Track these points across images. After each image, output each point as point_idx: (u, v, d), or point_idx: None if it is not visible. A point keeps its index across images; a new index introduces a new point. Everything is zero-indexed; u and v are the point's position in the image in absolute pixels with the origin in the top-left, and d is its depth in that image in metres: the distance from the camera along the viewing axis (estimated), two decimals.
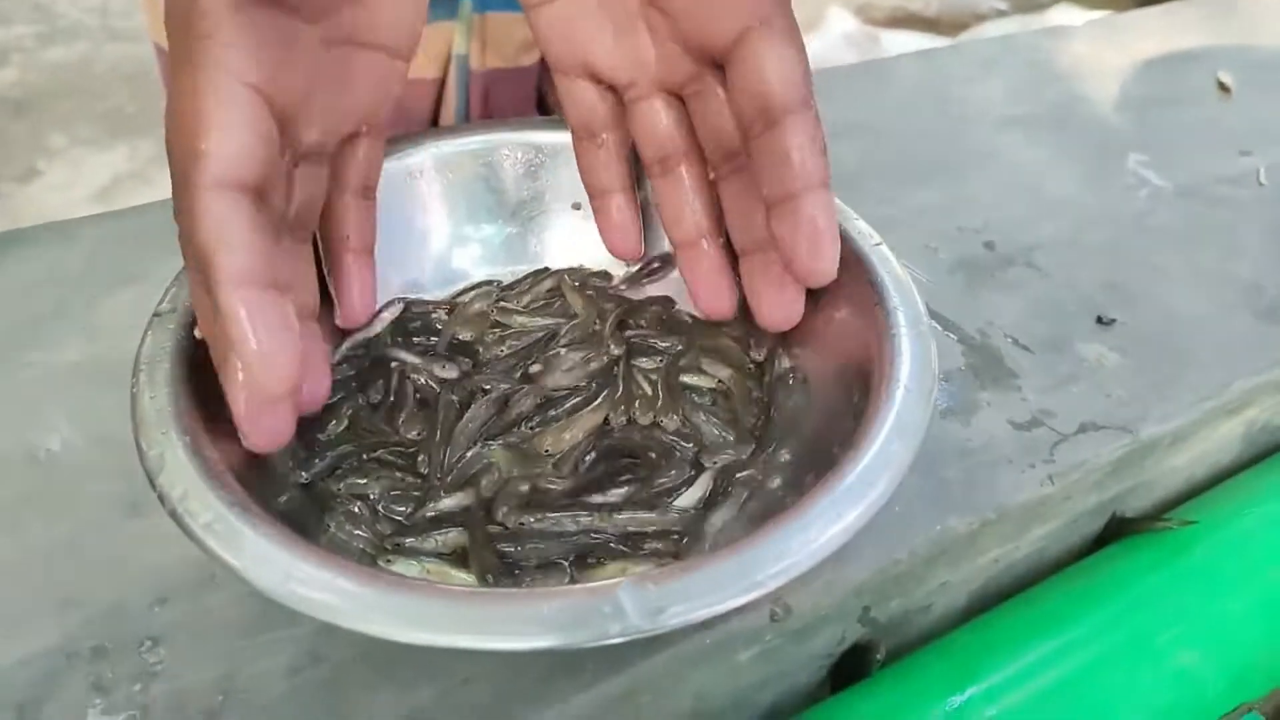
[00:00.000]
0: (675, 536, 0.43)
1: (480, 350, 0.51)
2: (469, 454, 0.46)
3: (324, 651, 0.41)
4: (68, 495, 0.48)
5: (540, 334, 0.53)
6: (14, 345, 0.56)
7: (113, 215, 0.65)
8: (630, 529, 0.43)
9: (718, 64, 0.45)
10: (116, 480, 0.48)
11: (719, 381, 0.51)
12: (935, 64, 0.94)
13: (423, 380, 0.49)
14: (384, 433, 0.47)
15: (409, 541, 0.42)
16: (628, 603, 0.32)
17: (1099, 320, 0.64)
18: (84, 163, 2.53)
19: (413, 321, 0.52)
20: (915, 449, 0.40)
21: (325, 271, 0.48)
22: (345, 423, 0.47)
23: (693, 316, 0.54)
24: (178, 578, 0.44)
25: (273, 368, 0.33)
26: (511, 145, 0.57)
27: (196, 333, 0.40)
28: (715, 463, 0.47)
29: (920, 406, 0.42)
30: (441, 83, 0.74)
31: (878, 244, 0.50)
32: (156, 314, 0.43)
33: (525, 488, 0.44)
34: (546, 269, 0.56)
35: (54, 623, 0.42)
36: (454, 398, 0.48)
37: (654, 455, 0.47)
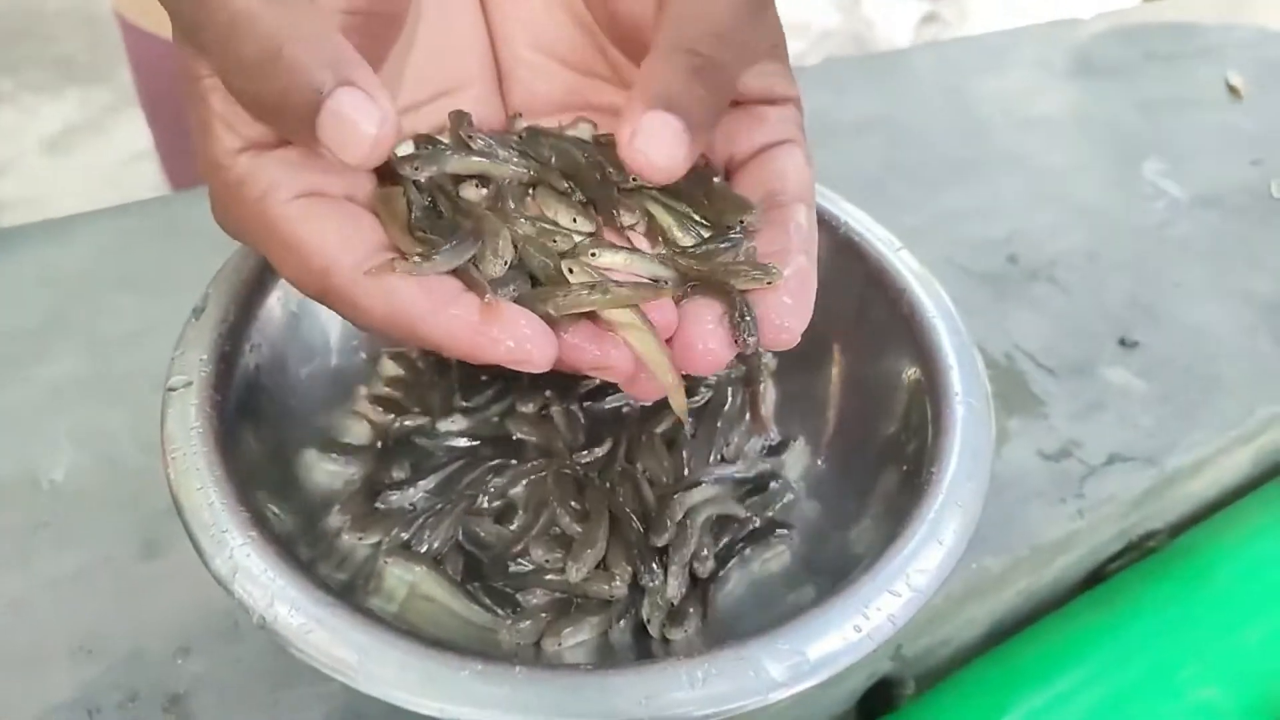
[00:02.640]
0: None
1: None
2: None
3: (360, 708, 0.40)
4: (77, 529, 0.46)
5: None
6: (10, 359, 0.53)
7: (109, 213, 0.62)
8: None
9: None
10: (127, 512, 0.46)
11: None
12: (946, 56, 0.92)
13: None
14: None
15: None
16: (771, 666, 0.33)
17: (1122, 342, 0.63)
18: (34, 110, 2.42)
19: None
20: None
21: None
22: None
23: None
24: (200, 626, 0.42)
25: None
26: None
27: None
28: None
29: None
30: None
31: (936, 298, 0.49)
32: (170, 389, 0.40)
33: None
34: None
35: (69, 672, 0.41)
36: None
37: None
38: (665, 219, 0.40)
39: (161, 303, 0.43)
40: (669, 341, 0.36)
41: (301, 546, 0.40)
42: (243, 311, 0.46)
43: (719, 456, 0.50)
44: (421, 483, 0.47)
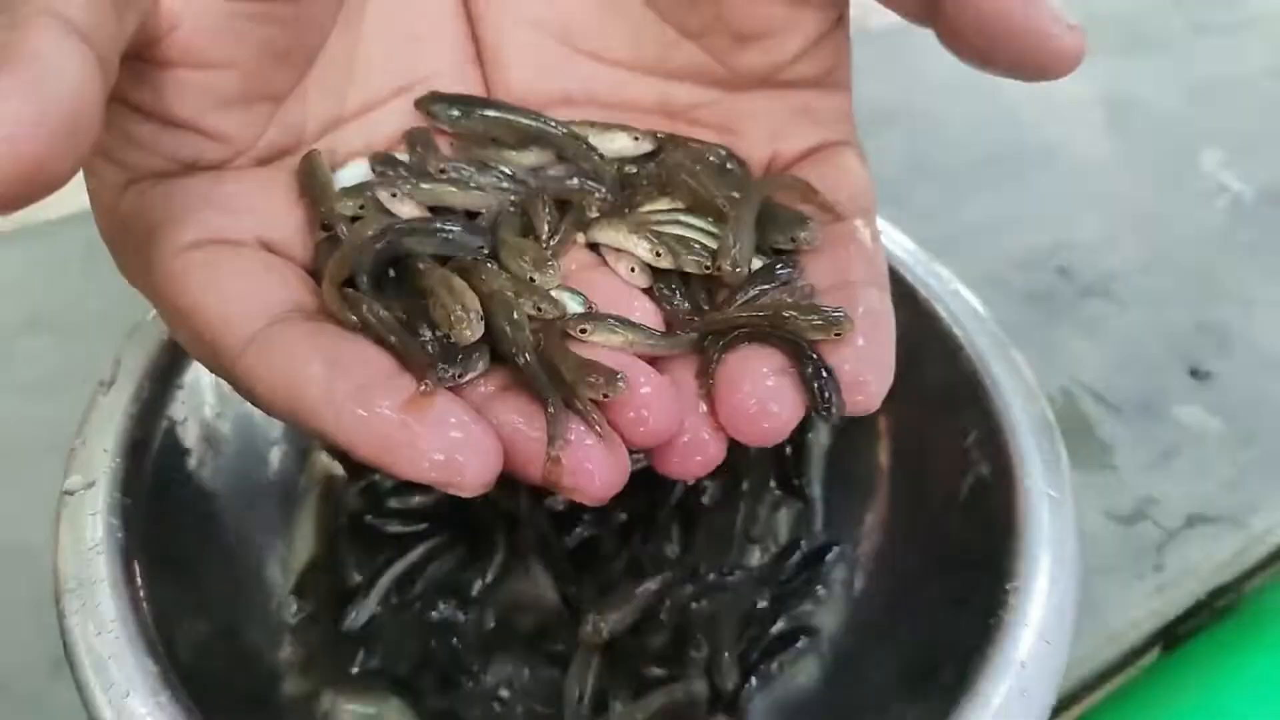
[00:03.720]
0: None
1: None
2: None
3: None
4: None
5: None
6: None
7: (11, 238, 0.53)
8: None
9: None
10: (33, 618, 0.38)
11: None
12: None
13: None
14: None
15: None
16: None
17: (1194, 374, 0.55)
18: None
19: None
20: None
21: None
22: None
23: None
24: None
25: None
26: None
27: None
28: None
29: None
30: None
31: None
32: (66, 492, 0.32)
33: None
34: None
35: None
36: None
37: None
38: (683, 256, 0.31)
39: (81, 347, 0.35)
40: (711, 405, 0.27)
41: (234, 699, 0.32)
42: (161, 383, 0.37)
43: (743, 537, 0.42)
44: (378, 584, 0.39)
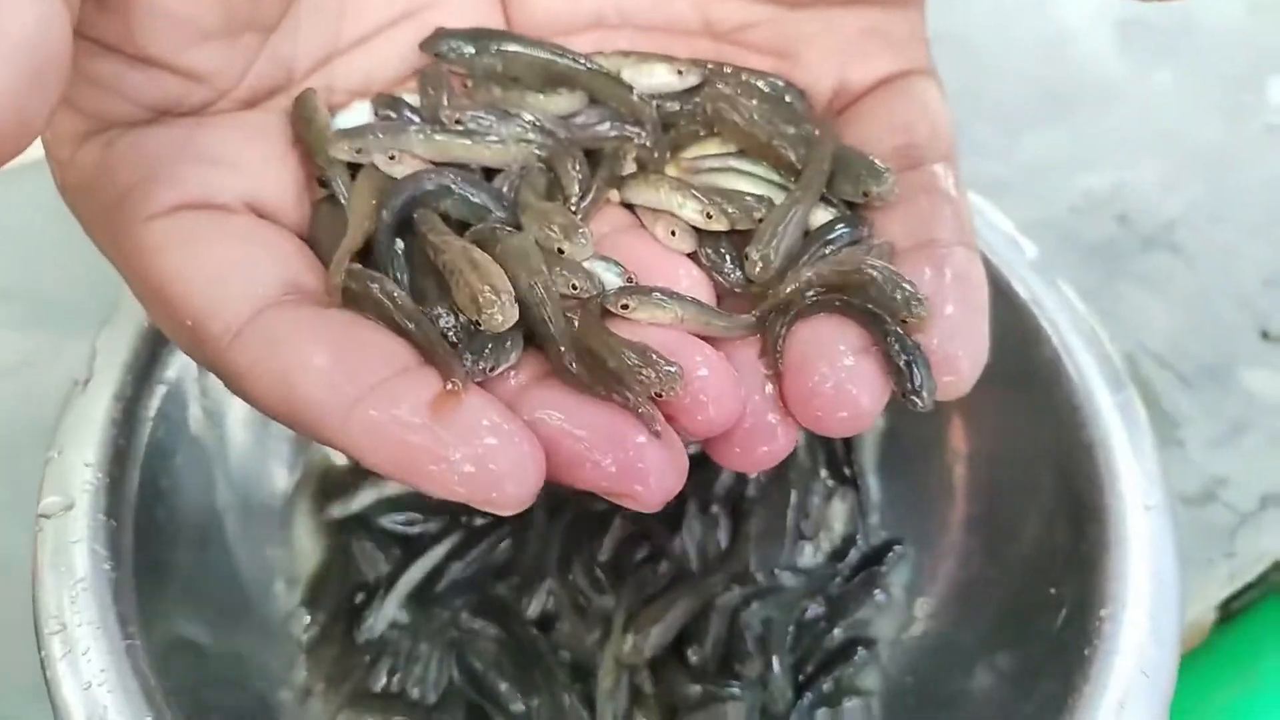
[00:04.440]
0: None
1: None
2: None
3: None
4: None
5: None
6: None
7: None
8: None
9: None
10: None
11: None
12: None
13: None
14: None
15: None
16: None
17: (1265, 335, 0.51)
18: None
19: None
20: None
21: None
22: None
23: None
24: None
25: None
26: None
27: None
28: None
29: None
30: None
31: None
32: (42, 515, 0.28)
33: None
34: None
35: None
36: None
37: None
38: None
39: (50, 324, 0.31)
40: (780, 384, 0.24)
41: None
42: (143, 379, 0.33)
43: (795, 532, 0.39)
44: (397, 587, 0.36)
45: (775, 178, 0.28)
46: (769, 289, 0.25)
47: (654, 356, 0.22)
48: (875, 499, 0.39)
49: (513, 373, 0.23)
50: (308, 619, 0.35)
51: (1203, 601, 0.42)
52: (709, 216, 0.26)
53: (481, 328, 0.23)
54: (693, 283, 0.25)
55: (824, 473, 0.39)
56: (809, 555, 0.38)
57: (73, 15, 0.19)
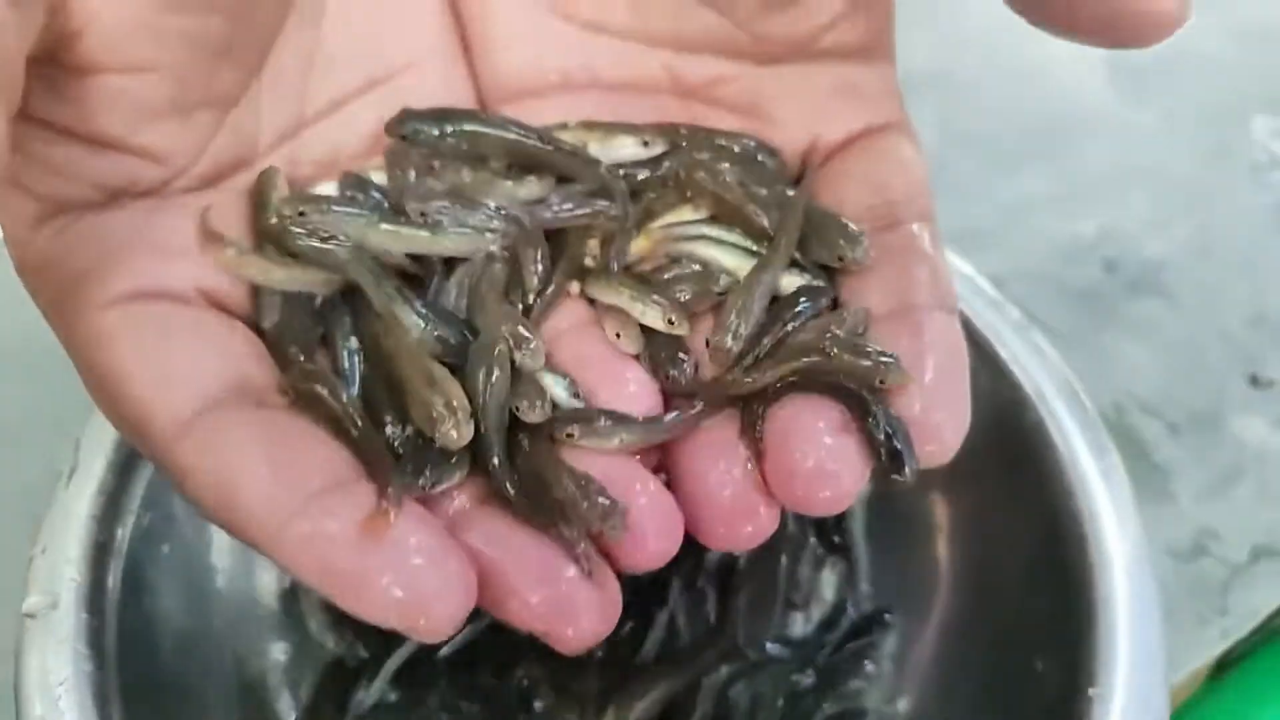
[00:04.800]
0: None
1: None
2: None
3: None
4: None
5: None
6: None
7: None
8: None
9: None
10: None
11: None
12: None
13: None
14: None
15: None
16: None
17: (1254, 381, 0.51)
18: None
19: None
20: None
21: None
22: None
23: None
24: None
25: None
26: None
27: None
28: None
29: None
30: None
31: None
32: (27, 614, 0.28)
33: None
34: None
35: None
36: None
37: None
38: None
39: (42, 384, 0.30)
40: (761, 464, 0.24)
41: None
42: (125, 472, 0.33)
43: (785, 602, 0.39)
44: (384, 667, 0.36)
45: (749, 244, 0.28)
46: (729, 374, 0.25)
47: (596, 490, 0.22)
48: (865, 567, 0.39)
49: (456, 492, 0.23)
50: (297, 698, 0.35)
51: (1195, 659, 0.42)
52: (671, 323, 0.26)
53: (434, 442, 0.23)
54: (639, 388, 0.25)
55: (813, 540, 0.39)
56: (799, 625, 0.38)
57: (10, 100, 0.19)
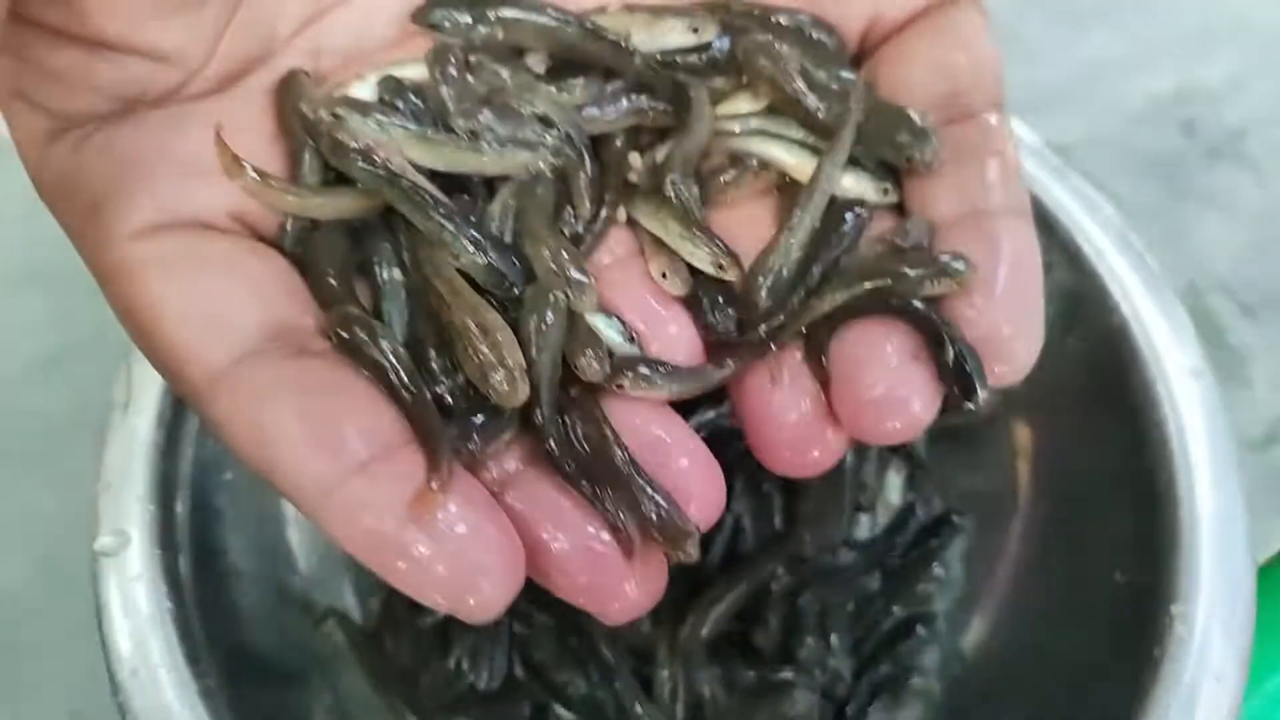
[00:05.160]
0: None
1: None
2: None
3: None
4: None
5: None
6: None
7: None
8: None
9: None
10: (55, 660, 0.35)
11: None
12: None
13: None
14: None
15: None
16: None
17: None
18: None
19: None
20: None
21: None
22: None
23: None
24: None
25: None
26: None
27: None
28: None
29: None
30: None
31: None
32: (101, 553, 0.28)
33: None
34: None
35: None
36: None
37: None
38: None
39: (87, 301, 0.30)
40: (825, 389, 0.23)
41: None
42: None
43: (852, 505, 0.38)
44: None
45: (809, 139, 0.26)
46: (774, 317, 0.24)
47: (660, 494, 0.21)
48: (932, 469, 0.38)
49: (503, 450, 0.22)
50: (367, 612, 0.35)
51: (1268, 550, 0.42)
52: (721, 268, 0.24)
53: (485, 399, 0.22)
54: (680, 333, 0.24)
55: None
56: (865, 528, 0.38)
57: None
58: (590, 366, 0.22)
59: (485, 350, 0.22)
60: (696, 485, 0.22)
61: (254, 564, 0.32)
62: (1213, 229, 0.49)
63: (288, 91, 0.24)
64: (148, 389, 0.31)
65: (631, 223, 0.26)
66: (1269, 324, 0.47)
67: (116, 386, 0.31)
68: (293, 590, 0.34)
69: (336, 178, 0.24)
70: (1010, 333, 0.23)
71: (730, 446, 0.34)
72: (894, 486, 0.38)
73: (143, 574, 0.28)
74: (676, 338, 0.24)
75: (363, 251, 0.24)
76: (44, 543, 0.38)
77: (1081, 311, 0.35)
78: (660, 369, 0.23)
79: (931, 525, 0.37)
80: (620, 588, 0.21)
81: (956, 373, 0.22)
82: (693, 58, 0.27)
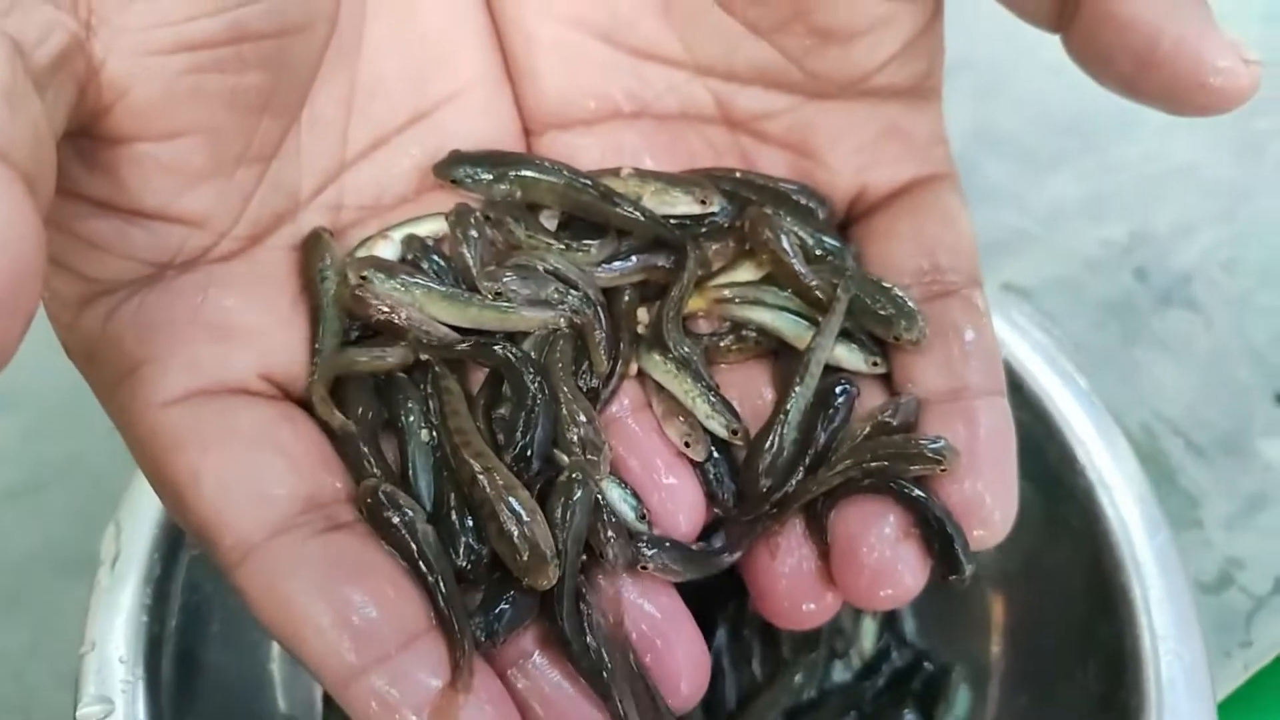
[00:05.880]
0: None
1: None
2: None
3: None
4: None
5: None
6: None
7: None
8: None
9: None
10: None
11: None
12: None
13: None
14: None
15: None
16: None
17: (1279, 399, 0.51)
18: None
19: None
20: None
21: None
22: None
23: None
24: None
25: None
26: None
27: None
28: None
29: None
30: None
31: None
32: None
33: None
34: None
35: None
36: None
37: None
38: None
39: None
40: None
41: None
42: (171, 554, 0.32)
43: (828, 650, 0.39)
44: None
45: (803, 308, 0.28)
46: (770, 496, 0.26)
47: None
48: (906, 614, 0.39)
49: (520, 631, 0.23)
50: None
51: (1218, 693, 0.43)
52: (734, 433, 0.26)
53: (515, 577, 0.23)
54: (684, 492, 0.26)
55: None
56: (839, 670, 0.39)
57: (44, 194, 0.18)
58: (616, 558, 0.24)
59: (517, 536, 0.22)
60: (686, 665, 0.24)
61: (238, 708, 0.32)
62: (1164, 373, 0.52)
63: (311, 251, 0.25)
64: (136, 546, 0.31)
65: (639, 375, 0.28)
66: (1215, 463, 0.49)
67: (104, 542, 0.31)
68: None
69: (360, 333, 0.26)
70: (989, 503, 0.25)
71: (717, 592, 0.35)
72: (868, 634, 0.39)
73: None
74: (678, 488, 0.26)
75: (388, 405, 0.26)
76: (16, 689, 0.38)
77: (1046, 469, 0.36)
78: (678, 554, 0.25)
79: (905, 669, 0.38)
80: None
81: (945, 553, 0.24)
82: (698, 229, 0.29)
